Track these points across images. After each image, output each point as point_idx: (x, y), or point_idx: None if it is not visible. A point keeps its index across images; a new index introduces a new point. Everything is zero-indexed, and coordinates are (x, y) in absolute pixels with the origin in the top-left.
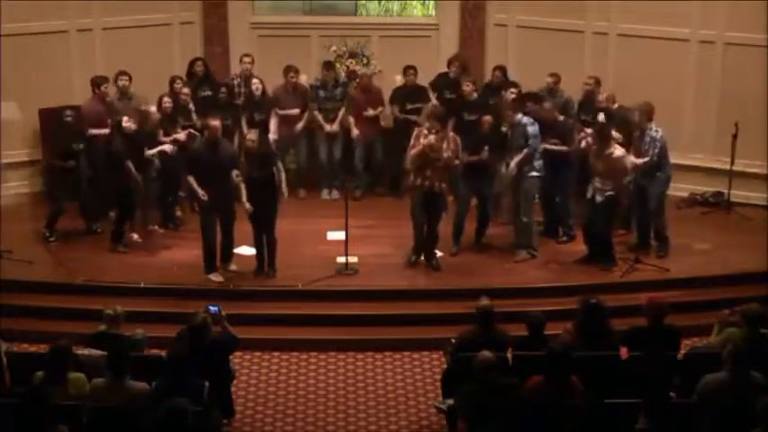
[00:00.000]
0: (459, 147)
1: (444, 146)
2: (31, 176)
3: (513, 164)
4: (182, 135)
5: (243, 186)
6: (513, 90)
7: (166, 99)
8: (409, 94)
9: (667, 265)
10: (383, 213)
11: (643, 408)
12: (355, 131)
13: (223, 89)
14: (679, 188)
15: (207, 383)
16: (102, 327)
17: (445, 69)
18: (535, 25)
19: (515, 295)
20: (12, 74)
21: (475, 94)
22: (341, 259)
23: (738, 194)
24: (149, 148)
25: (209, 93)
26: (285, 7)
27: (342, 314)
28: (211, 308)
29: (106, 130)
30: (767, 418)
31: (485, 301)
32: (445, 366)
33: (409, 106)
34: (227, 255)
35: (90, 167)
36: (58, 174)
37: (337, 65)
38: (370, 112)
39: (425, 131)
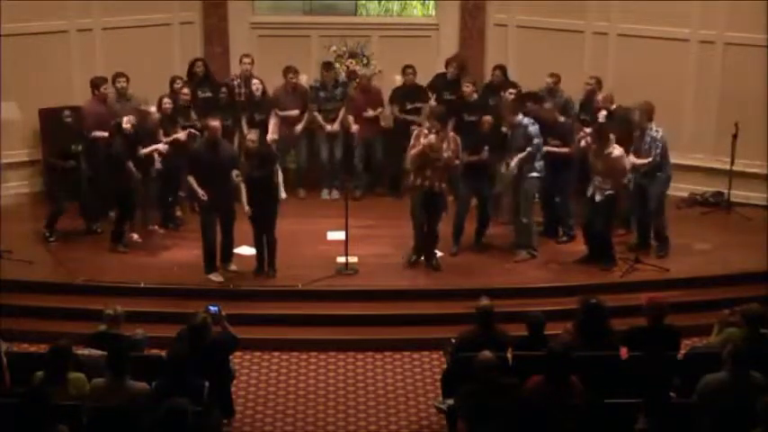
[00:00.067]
0: (459, 147)
1: (444, 146)
2: (31, 176)
3: (513, 162)
4: (182, 135)
5: (243, 187)
6: (512, 90)
7: (166, 100)
8: (409, 93)
9: (667, 265)
10: (383, 213)
11: (643, 408)
12: (355, 127)
13: (223, 89)
14: (679, 188)
15: (207, 383)
16: (102, 327)
17: (443, 70)
18: (535, 25)
19: (515, 295)
20: (12, 74)
21: (475, 95)
22: (341, 259)
23: (738, 194)
24: (148, 147)
25: (209, 94)
26: (285, 7)
27: (342, 314)
28: (211, 308)
29: (106, 133)
30: (767, 418)
31: (485, 301)
32: (445, 366)
33: (409, 106)
34: (227, 255)
35: (90, 168)
36: (57, 174)
37: (337, 65)
38: (370, 112)
39: (425, 131)
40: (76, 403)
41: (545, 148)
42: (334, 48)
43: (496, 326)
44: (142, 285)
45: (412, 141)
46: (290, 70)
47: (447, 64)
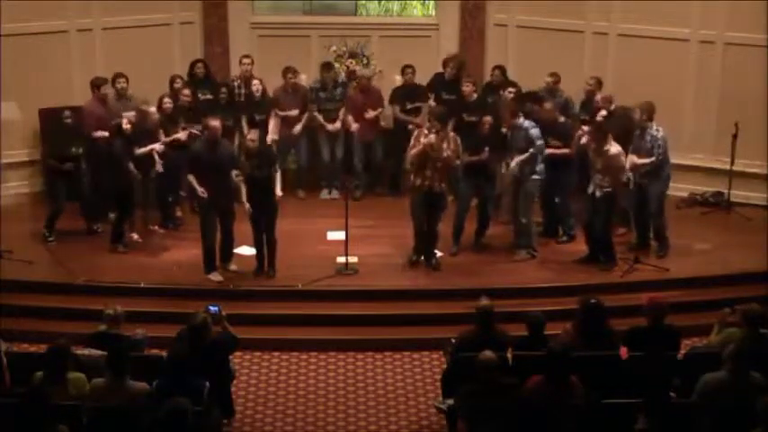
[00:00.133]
0: (459, 146)
1: (445, 145)
2: (31, 176)
3: (514, 163)
4: (182, 135)
5: (243, 186)
6: (511, 90)
7: (167, 99)
8: (409, 93)
9: (667, 265)
10: (383, 213)
11: (643, 408)
12: (355, 126)
13: (223, 90)
14: (679, 188)
15: (207, 383)
16: (102, 327)
17: (441, 70)
18: (535, 25)
19: (515, 295)
20: (12, 74)
21: (475, 95)
22: (341, 259)
23: (738, 194)
24: (145, 146)
25: (209, 96)
26: (285, 7)
27: (342, 314)
28: (211, 308)
29: (107, 133)
30: (767, 418)
31: (485, 301)
32: (445, 366)
33: (409, 106)
34: (227, 254)
35: (90, 168)
36: (57, 174)
37: (337, 65)
38: (370, 113)
39: (426, 131)
40: (76, 403)
41: (548, 151)
42: (334, 48)
43: (496, 326)
44: (142, 285)
45: (412, 141)
46: (289, 70)
47: (444, 64)
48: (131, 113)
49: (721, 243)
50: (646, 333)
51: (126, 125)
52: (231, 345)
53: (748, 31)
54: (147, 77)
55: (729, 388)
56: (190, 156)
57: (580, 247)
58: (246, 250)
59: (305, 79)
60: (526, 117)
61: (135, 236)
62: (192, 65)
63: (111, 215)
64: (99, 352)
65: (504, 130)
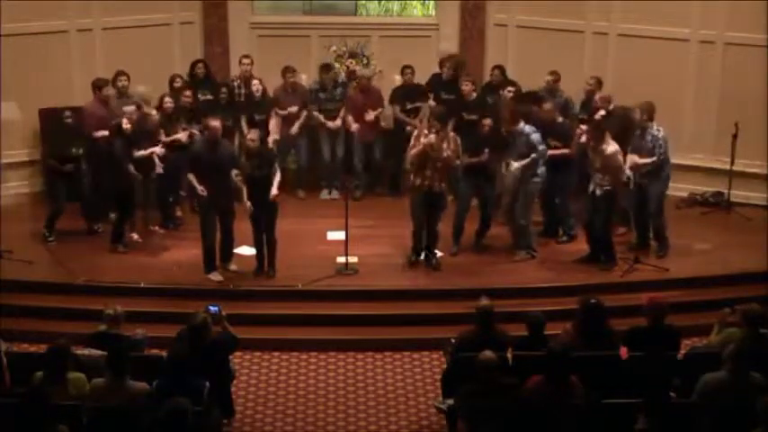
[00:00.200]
0: (459, 146)
1: (444, 145)
2: (31, 176)
3: (515, 166)
4: (182, 135)
5: (243, 186)
6: (510, 89)
7: (167, 99)
8: (409, 93)
9: (667, 265)
10: (383, 213)
11: (643, 408)
12: (355, 126)
13: (224, 90)
14: (679, 188)
15: (207, 383)
16: (102, 327)
17: (439, 70)
18: (535, 25)
19: (515, 295)
20: (12, 74)
21: (474, 94)
22: (341, 259)
23: (738, 194)
24: (145, 148)
25: (210, 96)
26: (285, 7)
27: (342, 314)
28: (211, 308)
29: (107, 133)
30: (767, 418)
31: (485, 301)
32: (445, 366)
33: (409, 106)
34: (227, 254)
35: (91, 169)
36: (57, 174)
37: (337, 65)
38: (371, 115)
39: (425, 131)
40: (76, 403)
41: (549, 152)
42: (334, 48)
43: (496, 326)
44: (142, 285)
45: (412, 141)
46: (288, 70)
47: (441, 64)
48: (132, 108)
49: (721, 243)
50: (646, 333)
51: (126, 125)
52: (231, 345)
53: (748, 31)
54: (147, 77)
55: (729, 388)
56: (190, 156)
57: (580, 246)
58: (246, 250)
59: (305, 79)
60: (525, 118)
61: (135, 236)
62: (193, 65)
63: (112, 215)
64: (99, 352)
65: (503, 129)
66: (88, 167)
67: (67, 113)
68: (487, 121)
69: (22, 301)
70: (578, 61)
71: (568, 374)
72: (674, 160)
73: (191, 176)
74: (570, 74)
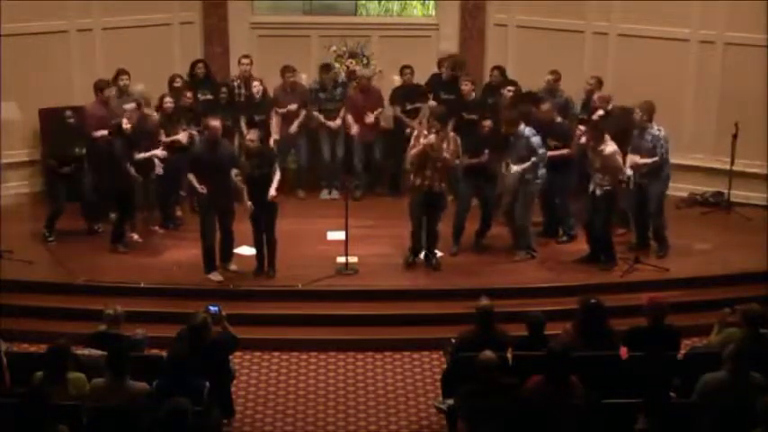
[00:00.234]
0: (459, 146)
1: (444, 146)
2: (31, 176)
3: (516, 168)
4: (182, 137)
5: (243, 186)
6: (510, 88)
7: (168, 99)
8: (408, 93)
9: (667, 265)
10: (383, 213)
11: (643, 408)
12: (355, 128)
13: (224, 90)
14: (679, 188)
15: (207, 383)
16: (102, 327)
17: (438, 71)
18: (535, 25)
19: (515, 295)
20: (12, 74)
21: (473, 94)
22: (341, 259)
23: (738, 194)
24: (146, 150)
25: (210, 96)
26: (285, 7)
27: (342, 314)
28: (211, 308)
29: (106, 132)
30: (767, 418)
31: (485, 301)
32: (445, 366)
33: (409, 106)
34: (227, 254)
35: (93, 169)
36: (57, 174)
37: (337, 65)
38: (370, 117)
39: (425, 131)
40: (76, 403)
41: (549, 154)
42: (334, 48)
43: (496, 326)
44: (142, 285)
45: (412, 141)
46: (287, 69)
47: (440, 64)
48: (132, 105)
49: (721, 243)
50: (646, 333)
51: (126, 125)
52: (231, 345)
53: (748, 31)
54: (148, 77)
55: (729, 388)
56: (190, 157)
57: (580, 247)
58: (246, 250)
59: (305, 79)
60: (525, 119)
61: (135, 236)
62: (193, 65)
63: (112, 215)
64: (99, 352)
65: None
66: (89, 167)
67: (69, 113)
68: (487, 122)
69: (22, 301)
70: (578, 61)
71: (568, 374)
72: (674, 160)
73: (190, 177)
74: (570, 74)
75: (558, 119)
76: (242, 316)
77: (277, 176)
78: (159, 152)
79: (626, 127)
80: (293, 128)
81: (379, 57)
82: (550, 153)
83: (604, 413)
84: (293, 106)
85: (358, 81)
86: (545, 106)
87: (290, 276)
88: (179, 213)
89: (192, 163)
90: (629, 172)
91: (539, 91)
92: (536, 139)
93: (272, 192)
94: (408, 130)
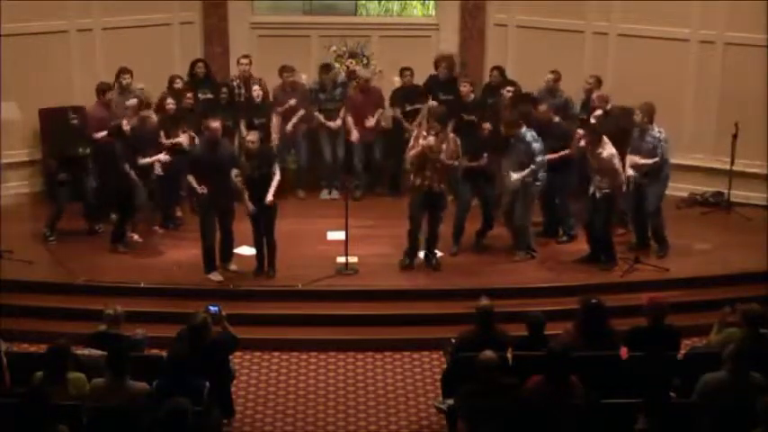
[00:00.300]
0: (458, 147)
1: (443, 147)
2: (31, 176)
3: (515, 176)
4: (183, 140)
5: (244, 188)
6: (509, 89)
7: (170, 101)
8: (408, 94)
9: (667, 265)
10: (383, 213)
11: (643, 408)
12: (355, 134)
13: (224, 90)
14: (679, 188)
15: (207, 383)
16: (102, 327)
17: (435, 71)
18: (535, 25)
19: (515, 295)
20: (12, 74)
21: (472, 95)
22: (341, 259)
23: (738, 194)
24: (148, 153)
25: (210, 95)
26: (285, 7)
27: (342, 314)
28: (211, 308)
29: (105, 133)
30: (767, 418)
31: (485, 301)
32: (445, 366)
33: (408, 107)
34: (227, 254)
35: (96, 170)
36: (56, 176)
37: (337, 65)
38: (371, 121)
39: (425, 132)
40: (76, 403)
41: (548, 157)
42: (334, 48)
43: (496, 326)
44: (142, 285)
45: (411, 142)
46: (285, 69)
47: (437, 64)
48: (134, 101)
49: (721, 243)
50: (646, 333)
51: (125, 126)
52: (231, 345)
53: (748, 31)
54: (148, 77)
55: (729, 388)
56: (190, 157)
57: (580, 247)
58: (246, 250)
59: (305, 78)
60: (525, 120)
61: (135, 236)
62: (193, 64)
63: (113, 216)
64: (99, 352)
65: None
66: (93, 168)
67: (73, 115)
68: (487, 125)
69: (22, 301)
70: (578, 61)
71: (568, 374)
72: (674, 160)
73: (190, 178)
74: (570, 74)
75: (556, 119)
76: (242, 316)
77: (276, 179)
78: (162, 156)
79: (625, 127)
80: (290, 125)
81: (379, 57)
82: (550, 156)
83: (604, 413)
84: (292, 101)
85: (358, 81)
86: (542, 107)
87: (290, 276)
88: (179, 213)
89: (191, 164)
90: (630, 172)
91: (538, 91)
92: (537, 146)
93: (270, 198)
94: (407, 135)
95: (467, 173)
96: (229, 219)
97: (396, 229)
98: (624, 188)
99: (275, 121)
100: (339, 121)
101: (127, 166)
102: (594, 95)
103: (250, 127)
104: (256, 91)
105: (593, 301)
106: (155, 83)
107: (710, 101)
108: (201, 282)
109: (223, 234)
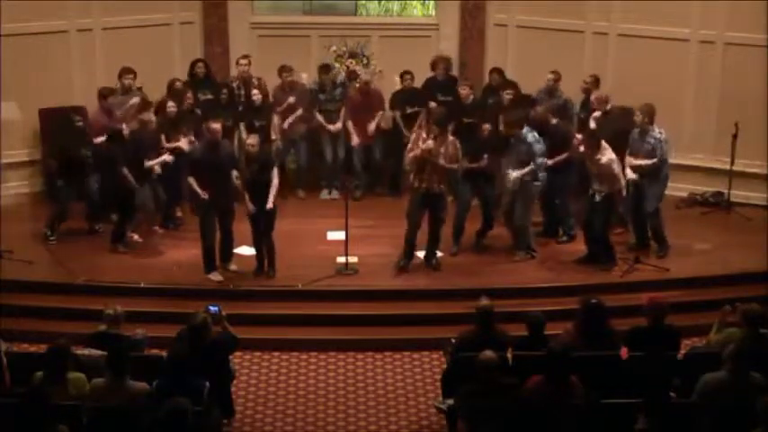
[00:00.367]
0: (458, 150)
1: (442, 150)
2: (31, 176)
3: (515, 174)
4: (184, 144)
5: (244, 190)
6: (509, 92)
7: (171, 104)
8: (408, 98)
9: (667, 265)
10: (383, 213)
11: (643, 408)
12: (356, 140)
13: (224, 91)
14: (679, 188)
15: (207, 383)
16: (102, 327)
17: (432, 73)
18: (535, 25)
19: (515, 295)
20: (12, 74)
21: (471, 97)
22: (341, 259)
23: (738, 194)
24: (151, 156)
25: (210, 96)
26: (285, 7)
27: (342, 314)
28: (211, 308)
29: (104, 138)
30: (767, 418)
31: (485, 301)
32: (445, 366)
33: (409, 110)
34: (227, 254)
35: (97, 172)
36: (57, 177)
37: (337, 65)
38: (372, 125)
39: (424, 135)
40: (76, 403)
41: (548, 162)
42: (334, 48)
43: (496, 326)
44: (142, 285)
45: (410, 145)
46: (283, 70)
47: (434, 66)
48: (137, 99)
49: (721, 243)
50: (646, 333)
51: (125, 131)
52: (231, 345)
53: (748, 31)
54: (148, 77)
55: (729, 388)
56: (191, 159)
57: (580, 247)
58: (246, 250)
59: (305, 78)
60: (527, 121)
61: (135, 236)
62: (193, 65)
63: (114, 216)
64: (99, 352)
65: (501, 129)
66: (95, 169)
67: (78, 117)
68: (487, 126)
69: (22, 301)
70: (578, 61)
71: (568, 374)
72: (674, 160)
73: (191, 180)
74: (570, 74)
75: (554, 121)
76: (242, 316)
77: (275, 184)
78: (167, 157)
79: (625, 127)
80: (286, 122)
81: (379, 57)
82: (549, 161)
83: (604, 413)
84: (291, 99)
85: (358, 83)
86: (539, 109)
87: (290, 276)
88: (179, 213)
89: (192, 165)
90: (630, 176)
91: (538, 92)
92: (539, 147)
93: (270, 204)
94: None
95: (467, 173)
96: (229, 219)
97: (396, 229)
98: (624, 193)
99: (276, 121)
100: (339, 125)
101: (125, 170)
102: (593, 97)
103: (250, 129)
104: (256, 95)
105: (594, 301)
106: (155, 83)
107: (710, 101)
108: (201, 282)
109: (223, 234)
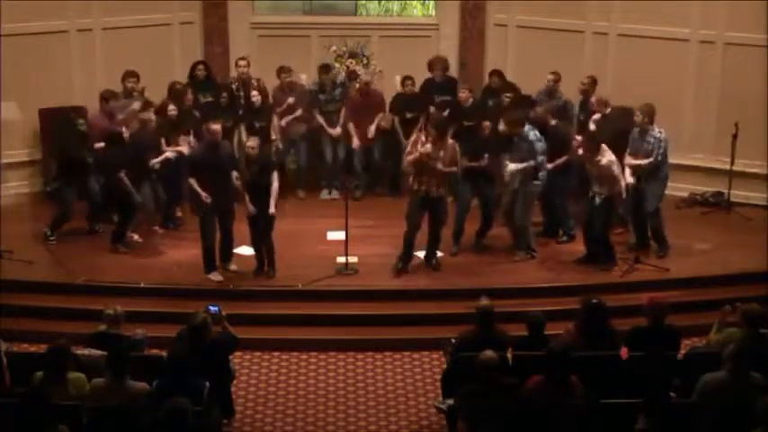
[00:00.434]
0: (457, 153)
1: (441, 154)
2: (31, 176)
3: (512, 167)
4: (184, 148)
5: (244, 191)
6: (508, 95)
7: (171, 107)
8: (408, 102)
9: (667, 265)
10: (383, 213)
11: (643, 408)
12: (356, 142)
13: (224, 94)
14: (679, 188)
15: (207, 383)
16: (102, 327)
17: (430, 75)
18: (535, 25)
19: (515, 295)
20: (12, 74)
21: (470, 100)
22: (341, 259)
23: (738, 194)
24: (151, 157)
25: (210, 98)
26: (285, 7)
27: (342, 314)
28: (211, 308)
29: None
30: (767, 418)
31: (485, 301)
32: (445, 366)
33: (409, 115)
34: (227, 254)
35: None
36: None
37: (337, 65)
38: (372, 129)
39: (423, 138)
40: (76, 403)
41: (549, 165)
42: (334, 48)
43: (496, 326)
44: (142, 285)
45: (409, 147)
46: (283, 70)
47: (431, 68)
48: (139, 103)
49: (721, 243)
50: (646, 333)
51: (125, 134)
52: (231, 345)
53: (748, 31)
54: (148, 78)
55: (729, 388)
56: (191, 160)
57: (580, 247)
58: (246, 250)
59: (305, 78)
60: (528, 120)
61: (135, 236)
62: (193, 67)
63: (114, 217)
64: (99, 352)
65: (501, 128)
66: (96, 171)
67: (81, 120)
68: (487, 124)
69: (22, 301)
70: (578, 61)
71: (568, 374)
72: (673, 160)
73: (192, 182)
74: (570, 74)
75: (553, 122)
76: (242, 316)
77: (275, 188)
78: (170, 153)
79: (625, 128)
80: (284, 121)
81: (379, 57)
82: (550, 165)
83: (604, 413)
84: (291, 100)
85: (359, 84)
86: (538, 110)
87: (290, 276)
88: (179, 213)
89: (192, 166)
90: (629, 179)
91: (538, 93)
92: (540, 145)
93: (272, 209)
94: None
95: (467, 173)
96: (229, 219)
97: (396, 229)
98: (624, 195)
99: (276, 121)
100: (339, 129)
101: (123, 175)
102: (593, 99)
103: (250, 130)
104: (255, 96)
105: (594, 301)
106: (155, 83)
107: (710, 101)
108: (201, 282)
109: (223, 234)
